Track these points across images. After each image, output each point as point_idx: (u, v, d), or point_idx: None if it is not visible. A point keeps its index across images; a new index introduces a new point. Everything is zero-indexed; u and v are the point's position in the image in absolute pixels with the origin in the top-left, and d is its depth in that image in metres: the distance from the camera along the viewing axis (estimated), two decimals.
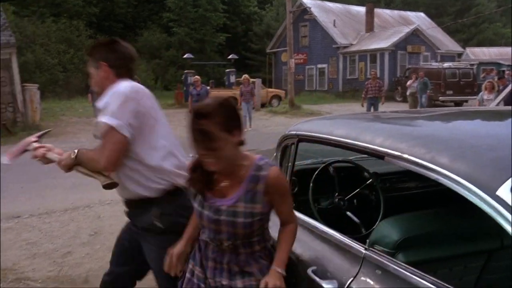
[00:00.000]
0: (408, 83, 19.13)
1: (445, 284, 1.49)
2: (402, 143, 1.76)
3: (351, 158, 3.09)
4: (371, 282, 1.69)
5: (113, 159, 2.16)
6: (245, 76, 16.29)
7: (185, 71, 26.34)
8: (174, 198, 2.34)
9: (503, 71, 21.86)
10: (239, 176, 1.91)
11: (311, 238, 2.12)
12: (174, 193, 2.34)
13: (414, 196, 3.13)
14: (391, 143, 1.80)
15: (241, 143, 1.87)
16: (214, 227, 1.95)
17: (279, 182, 1.91)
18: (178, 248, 2.17)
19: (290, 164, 2.46)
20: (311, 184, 2.67)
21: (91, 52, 2.45)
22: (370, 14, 32.65)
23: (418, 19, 36.15)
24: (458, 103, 23.02)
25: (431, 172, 1.57)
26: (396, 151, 1.74)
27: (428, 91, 18.36)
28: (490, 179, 1.41)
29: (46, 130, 2.66)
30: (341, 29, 32.51)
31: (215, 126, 1.76)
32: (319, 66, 33.64)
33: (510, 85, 10.09)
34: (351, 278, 1.75)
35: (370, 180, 2.89)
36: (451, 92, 23.46)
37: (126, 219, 2.58)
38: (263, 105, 23.66)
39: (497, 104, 9.17)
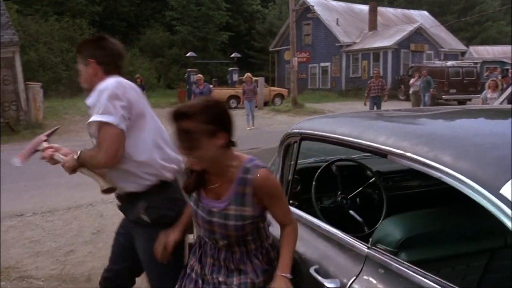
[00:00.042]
0: (411, 81, 19.07)
1: (448, 283, 1.48)
2: (405, 141, 1.76)
3: (354, 156, 3.08)
4: (374, 281, 1.68)
5: (112, 153, 2.17)
6: (248, 74, 16.30)
7: (188, 69, 26.37)
8: (161, 191, 2.37)
9: (507, 69, 21.74)
10: (229, 177, 1.90)
11: (313, 237, 2.11)
12: (162, 186, 2.37)
13: (416, 194, 3.12)
14: (394, 141, 1.80)
15: (230, 144, 1.86)
16: (208, 227, 1.97)
17: (267, 185, 1.88)
18: (170, 236, 2.23)
19: (292, 162, 2.46)
20: (313, 183, 2.66)
21: (79, 50, 2.46)
22: (373, 13, 32.58)
23: (422, 17, 36.05)
24: (461, 102, 22.97)
25: (434, 170, 1.56)
26: (399, 149, 1.73)
27: (431, 89, 18.31)
28: (494, 178, 1.41)
29: (54, 128, 2.66)
30: (344, 28, 32.45)
31: (196, 127, 1.76)
32: (322, 64, 33.59)
33: None
34: (354, 277, 1.75)
35: (373, 178, 2.88)
36: (454, 90, 23.40)
37: None
38: (266, 104, 23.65)
39: (501, 103, 9.14)
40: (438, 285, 1.48)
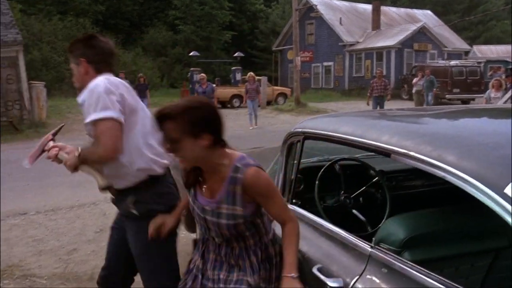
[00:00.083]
0: (414, 80, 19.04)
1: (452, 283, 1.48)
2: (409, 140, 1.75)
3: (357, 156, 3.08)
4: (377, 281, 1.67)
5: (111, 146, 2.18)
6: (250, 73, 16.28)
7: (191, 68, 26.43)
8: (150, 186, 2.40)
9: (511, 69, 21.70)
10: (221, 175, 1.90)
11: (316, 236, 2.11)
12: (151, 181, 2.40)
13: (420, 194, 3.11)
14: (398, 140, 1.79)
15: (218, 144, 1.86)
16: (204, 224, 2.00)
17: (257, 184, 1.86)
18: (167, 219, 2.35)
19: (295, 161, 2.45)
20: (317, 182, 2.66)
21: (70, 49, 2.49)
22: (376, 12, 32.52)
23: (425, 17, 35.97)
24: (465, 101, 22.92)
25: (438, 170, 1.55)
26: (403, 148, 1.72)
27: (434, 89, 18.26)
28: (498, 177, 1.40)
29: (59, 126, 2.67)
30: (347, 27, 32.41)
31: (177, 129, 1.78)
32: (325, 64, 33.57)
33: None
34: (357, 277, 1.74)
35: (376, 178, 2.87)
36: (458, 90, 23.35)
37: None
38: (269, 103, 23.64)
39: (505, 102, 9.11)
40: (442, 284, 1.47)
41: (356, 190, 2.83)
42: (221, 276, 2.00)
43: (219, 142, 1.86)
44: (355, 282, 1.73)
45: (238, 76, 26.63)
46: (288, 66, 33.72)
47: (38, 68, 25.28)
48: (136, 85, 18.16)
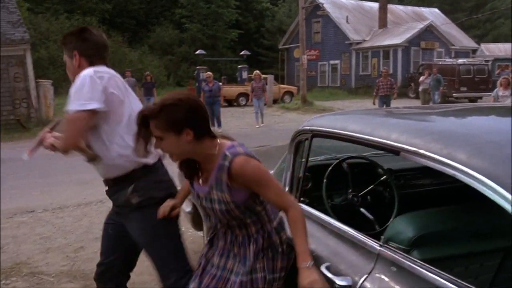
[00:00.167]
0: (421, 79, 18.95)
1: (462, 282, 1.46)
2: (418, 138, 1.74)
3: (364, 154, 3.06)
4: (386, 279, 1.66)
5: (68, 138, 2.27)
6: (256, 72, 16.25)
7: (197, 67, 26.41)
8: (147, 174, 2.43)
9: None
10: (213, 164, 1.94)
11: (324, 234, 2.10)
12: (147, 169, 2.43)
13: (428, 193, 3.09)
14: (407, 138, 1.77)
15: (202, 136, 1.90)
16: (203, 211, 2.07)
17: (245, 172, 1.87)
18: (175, 205, 2.46)
19: (303, 159, 2.44)
20: (324, 180, 2.65)
21: (64, 42, 2.51)
22: (383, 10, 32.39)
23: (432, 15, 35.82)
24: (472, 100, 22.82)
25: (448, 168, 1.54)
26: (412, 146, 1.71)
27: (441, 87, 18.17)
28: (509, 175, 1.38)
29: (57, 121, 2.70)
30: (354, 25, 32.32)
31: (158, 127, 1.86)
32: (332, 62, 33.50)
33: None
34: (366, 275, 1.73)
35: (384, 176, 2.86)
36: (465, 88, 23.25)
37: None
38: (275, 101, 23.63)
39: None
40: (452, 283, 1.46)
41: (364, 188, 2.81)
42: (228, 266, 2.03)
43: (202, 134, 1.90)
44: (364, 281, 1.72)
45: (245, 75, 26.60)
46: (295, 65, 33.68)
47: (45, 66, 25.37)
48: (143, 84, 18.20)
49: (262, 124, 15.64)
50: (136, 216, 2.45)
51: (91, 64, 2.40)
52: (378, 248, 1.77)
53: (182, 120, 1.85)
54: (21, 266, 4.40)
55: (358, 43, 31.60)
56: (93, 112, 2.23)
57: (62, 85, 25.44)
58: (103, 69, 2.36)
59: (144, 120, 1.89)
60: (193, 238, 4.80)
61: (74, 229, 5.49)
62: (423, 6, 39.11)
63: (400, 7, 37.27)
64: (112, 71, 2.41)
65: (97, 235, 5.24)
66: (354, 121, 2.30)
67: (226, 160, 1.88)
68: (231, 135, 2.09)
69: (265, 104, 16.73)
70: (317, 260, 1.99)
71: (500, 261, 1.93)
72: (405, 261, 1.63)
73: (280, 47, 36.78)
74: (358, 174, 2.86)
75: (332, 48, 33.21)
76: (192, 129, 1.86)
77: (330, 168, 2.73)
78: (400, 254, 1.68)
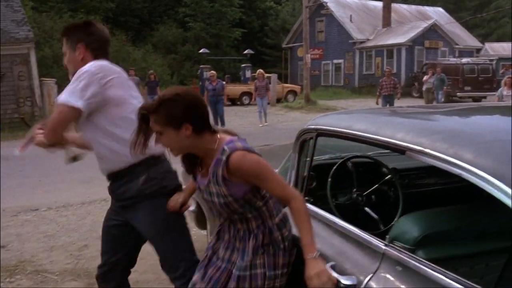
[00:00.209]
0: (424, 78, 18.88)
1: (468, 281, 1.46)
2: (424, 137, 1.73)
3: (369, 153, 3.06)
4: (392, 279, 1.66)
5: (50, 130, 2.31)
6: (260, 71, 16.24)
7: (201, 66, 26.46)
8: (157, 164, 2.46)
9: None
10: (213, 158, 1.96)
11: (329, 234, 2.09)
12: (155, 160, 2.45)
13: (432, 192, 3.08)
14: (412, 137, 1.77)
15: (201, 131, 1.92)
16: (206, 203, 2.12)
17: (242, 167, 1.88)
18: (184, 197, 2.47)
19: (308, 158, 2.44)
20: (329, 179, 2.64)
21: (67, 33, 2.50)
22: (387, 9, 32.31)
23: (436, 14, 35.71)
24: (476, 99, 22.73)
25: (455, 167, 1.53)
26: (418, 145, 1.70)
27: (444, 87, 18.10)
28: None
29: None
30: (357, 24, 32.25)
31: (157, 123, 1.90)
32: (335, 61, 33.45)
33: None
34: (371, 274, 1.72)
35: (389, 176, 2.85)
36: (469, 88, 23.18)
37: None
38: (278, 101, 23.62)
39: None
40: (458, 283, 1.45)
41: (368, 187, 2.81)
42: (232, 259, 2.05)
43: (202, 129, 1.93)
44: (369, 280, 1.71)
45: (248, 74, 26.60)
46: (298, 64, 33.63)
47: (49, 65, 25.38)
48: (147, 82, 18.22)
49: (266, 123, 15.63)
50: (148, 206, 2.45)
51: (95, 57, 2.42)
52: (383, 247, 1.77)
53: (181, 115, 1.87)
54: (25, 264, 4.41)
55: (361, 42, 31.54)
56: (77, 111, 2.26)
57: (66, 84, 25.52)
58: (109, 67, 2.37)
59: (144, 116, 1.93)
60: (196, 237, 4.79)
61: (78, 227, 5.51)
62: (427, 5, 38.97)
63: (404, 6, 37.15)
64: (117, 68, 2.42)
65: (101, 233, 5.26)
66: (359, 120, 2.29)
67: (224, 154, 1.90)
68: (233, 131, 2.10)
69: (268, 103, 16.73)
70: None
71: (506, 261, 1.92)
72: (411, 260, 1.63)
73: (283, 46, 36.74)
74: (363, 173, 2.85)
75: (336, 47, 33.15)
76: (191, 124, 1.89)
77: (334, 167, 2.72)
78: (406, 253, 1.67)
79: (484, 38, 38.23)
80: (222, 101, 14.80)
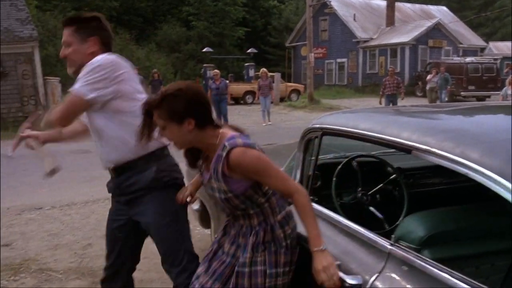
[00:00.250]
0: (428, 77, 18.84)
1: (474, 281, 1.45)
2: (430, 137, 1.72)
3: (374, 153, 3.05)
4: (397, 278, 1.65)
5: (60, 115, 2.34)
6: (263, 70, 16.23)
7: (204, 65, 26.46)
8: (167, 155, 2.51)
9: None
10: (215, 153, 1.97)
11: (334, 233, 2.09)
12: (166, 151, 2.50)
13: (437, 192, 3.07)
14: (418, 136, 1.76)
15: (203, 126, 1.94)
16: (210, 198, 2.15)
17: (242, 163, 1.89)
18: (191, 190, 2.52)
19: (313, 158, 2.43)
20: (334, 179, 2.64)
21: (76, 24, 2.47)
22: (391, 8, 32.23)
23: (440, 13, 35.62)
24: (480, 99, 22.64)
25: (461, 166, 1.52)
26: (424, 145, 1.69)
27: (448, 86, 18.05)
28: None
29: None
30: (361, 23, 32.19)
31: (160, 117, 1.93)
32: (339, 60, 33.41)
33: None
34: (376, 274, 1.72)
35: (394, 175, 2.84)
36: (473, 87, 23.10)
37: None
38: (282, 100, 23.61)
39: None
40: (465, 283, 1.45)
41: (373, 187, 2.80)
42: (237, 254, 2.06)
43: (205, 123, 1.95)
44: (374, 280, 1.71)
45: (251, 73, 26.61)
46: (302, 63, 33.61)
47: (53, 63, 25.43)
48: (151, 81, 18.25)
49: (269, 122, 15.62)
50: (158, 197, 2.46)
51: (105, 51, 2.43)
52: (389, 247, 1.76)
53: (183, 110, 1.90)
54: (29, 262, 4.42)
55: (365, 41, 31.48)
56: (88, 103, 2.29)
57: (70, 83, 25.54)
58: (120, 61, 2.39)
59: (148, 110, 1.96)
60: (200, 236, 4.81)
61: (82, 226, 5.52)
62: (431, 4, 38.87)
63: (408, 5, 37.06)
64: (127, 63, 2.44)
65: (104, 232, 5.26)
66: (365, 119, 2.29)
67: (224, 151, 1.91)
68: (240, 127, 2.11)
69: (272, 102, 16.71)
70: None
71: None
72: (417, 260, 1.62)
73: (287, 45, 36.71)
74: (368, 172, 2.84)
75: (339, 46, 33.10)
76: (194, 118, 1.91)
77: (339, 166, 2.71)
78: (411, 253, 1.67)
79: (488, 37, 38.11)
80: (225, 100, 14.80)
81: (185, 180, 2.68)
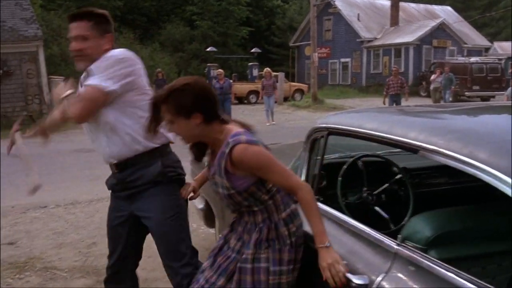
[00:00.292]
0: (432, 77, 18.79)
1: (480, 281, 1.45)
2: (437, 137, 1.72)
3: (379, 152, 3.04)
4: (404, 278, 1.65)
5: (84, 111, 2.33)
6: (267, 69, 16.23)
7: (208, 64, 26.45)
8: (170, 152, 2.55)
9: None
10: (220, 149, 1.98)
11: (340, 233, 2.08)
12: (169, 147, 2.54)
13: (443, 192, 3.06)
14: (426, 136, 1.76)
15: (210, 120, 1.96)
16: (215, 194, 2.15)
17: (245, 160, 1.90)
18: (195, 186, 2.56)
19: (319, 157, 2.43)
20: (339, 178, 2.63)
21: (96, 18, 2.49)
22: (395, 8, 32.17)
23: (444, 12, 35.54)
24: (485, 99, 22.59)
25: (469, 167, 1.52)
26: (431, 145, 1.69)
27: (452, 87, 17.99)
28: None
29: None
30: (365, 23, 32.15)
31: (168, 111, 1.95)
32: (343, 60, 33.36)
33: None
34: (383, 274, 1.71)
35: (399, 175, 2.83)
36: (477, 87, 23.04)
37: None
38: (285, 99, 23.60)
39: None
40: (471, 283, 1.44)
41: (378, 187, 2.79)
42: (242, 250, 2.06)
43: (211, 118, 1.96)
44: (381, 280, 1.70)
45: (255, 72, 26.60)
46: (305, 62, 33.57)
47: (57, 63, 25.47)
48: (155, 80, 18.25)
49: (273, 122, 15.61)
50: (164, 191, 2.48)
51: (113, 47, 2.48)
52: (395, 247, 1.76)
53: (190, 104, 1.91)
54: (34, 261, 4.43)
55: (369, 41, 31.43)
56: (108, 95, 2.30)
57: (74, 82, 25.67)
58: (134, 56, 2.44)
59: (155, 105, 1.98)
60: (205, 235, 4.82)
61: (86, 224, 5.53)
62: (435, 4, 38.77)
63: (412, 4, 36.97)
64: (138, 59, 2.47)
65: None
66: (371, 118, 2.28)
67: (227, 147, 1.92)
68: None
69: (275, 102, 16.71)
70: None
71: None
72: (423, 260, 1.62)
73: (291, 44, 36.69)
74: (373, 172, 2.84)
75: (343, 46, 33.07)
76: (201, 113, 1.93)
77: (345, 166, 2.71)
78: (418, 253, 1.66)
79: (493, 37, 38.00)
80: (229, 100, 14.81)
81: (188, 179, 2.69)
